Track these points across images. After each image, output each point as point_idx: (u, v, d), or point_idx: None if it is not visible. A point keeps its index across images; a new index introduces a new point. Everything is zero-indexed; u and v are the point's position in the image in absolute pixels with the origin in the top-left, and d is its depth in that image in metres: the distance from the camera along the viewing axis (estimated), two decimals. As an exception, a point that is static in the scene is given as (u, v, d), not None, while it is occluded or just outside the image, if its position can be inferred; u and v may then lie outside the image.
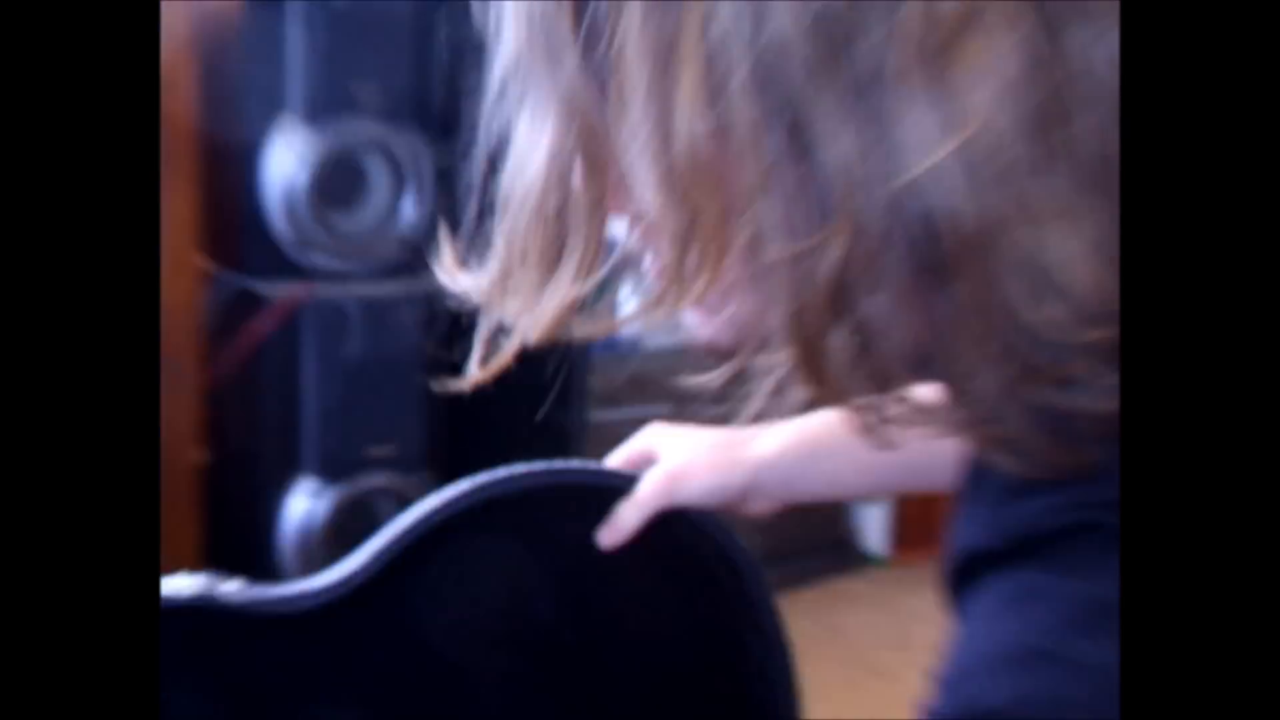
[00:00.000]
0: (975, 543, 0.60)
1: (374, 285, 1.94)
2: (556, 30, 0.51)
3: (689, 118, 0.49)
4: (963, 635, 0.57)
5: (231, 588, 0.74)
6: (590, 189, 0.54)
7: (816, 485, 0.97)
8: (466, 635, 0.85)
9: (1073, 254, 0.47)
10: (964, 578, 0.60)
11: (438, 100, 1.96)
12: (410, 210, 1.91)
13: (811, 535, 2.42)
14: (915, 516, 2.55)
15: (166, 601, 0.74)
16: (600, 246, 0.56)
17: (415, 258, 1.90)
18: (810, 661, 0.92)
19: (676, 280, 0.52)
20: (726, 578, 0.92)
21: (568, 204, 0.55)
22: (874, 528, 2.53)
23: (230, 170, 1.91)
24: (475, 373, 0.55)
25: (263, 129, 1.84)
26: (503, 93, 0.55)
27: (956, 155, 0.46)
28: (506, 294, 0.55)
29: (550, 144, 0.54)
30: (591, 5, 0.50)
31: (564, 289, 0.55)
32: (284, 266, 1.87)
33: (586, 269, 0.55)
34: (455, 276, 0.55)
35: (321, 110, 1.82)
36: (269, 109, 1.83)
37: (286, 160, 1.82)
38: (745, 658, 0.93)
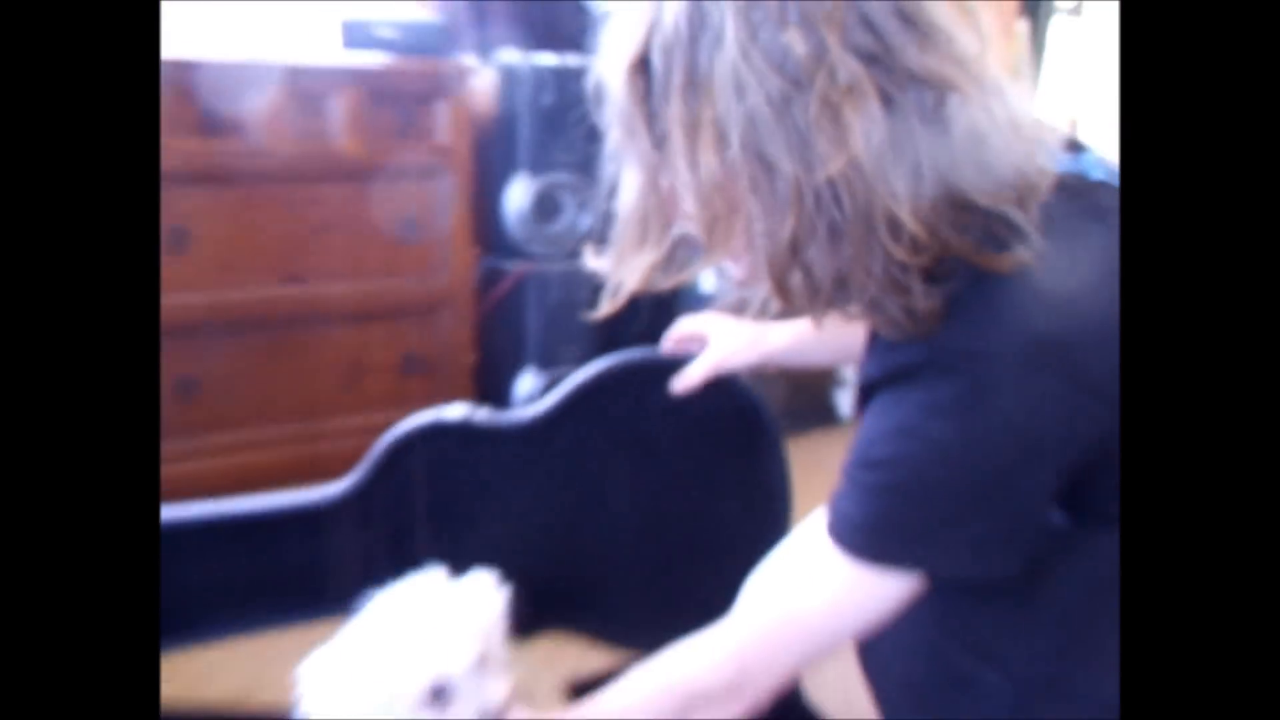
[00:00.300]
0: (869, 376, 0.85)
1: (562, 263, 2.53)
2: (634, 121, 0.81)
3: (707, 161, 0.76)
4: (859, 432, 0.83)
5: (481, 414, 1.31)
6: (656, 205, 0.85)
7: (801, 360, 1.32)
8: (599, 438, 1.34)
9: (908, 217, 0.74)
10: (864, 398, 0.86)
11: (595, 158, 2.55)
12: (582, 222, 2.55)
13: (806, 403, 2.72)
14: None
15: (450, 419, 1.30)
16: (665, 235, 0.87)
17: (580, 247, 2.61)
18: (799, 477, 1.33)
19: (710, 249, 0.81)
20: (754, 419, 1.36)
21: (647, 214, 0.86)
22: (845, 400, 2.89)
23: (490, 197, 2.54)
24: (606, 306, 0.95)
25: (506, 176, 2.50)
26: (614, 155, 0.87)
27: (846, 167, 0.72)
28: (620, 265, 0.90)
29: (636, 183, 0.84)
30: (653, 104, 0.79)
31: (647, 259, 0.87)
32: (516, 252, 2.53)
33: (658, 247, 0.87)
34: (596, 259, 0.93)
35: (537, 166, 2.48)
36: (510, 165, 2.49)
37: (519, 193, 2.49)
38: (764, 468, 1.37)
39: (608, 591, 1.44)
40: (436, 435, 1.40)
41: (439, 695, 0.98)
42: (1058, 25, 4.13)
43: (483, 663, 1.00)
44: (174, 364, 2.18)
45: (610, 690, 1.03)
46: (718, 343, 1.29)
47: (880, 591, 0.89)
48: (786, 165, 0.74)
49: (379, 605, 1.03)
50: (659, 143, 0.80)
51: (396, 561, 1.10)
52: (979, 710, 0.93)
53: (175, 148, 2.07)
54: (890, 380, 0.84)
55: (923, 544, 0.87)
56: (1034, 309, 0.79)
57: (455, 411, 1.40)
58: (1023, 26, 3.73)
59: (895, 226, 0.76)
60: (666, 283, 0.92)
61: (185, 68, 2.07)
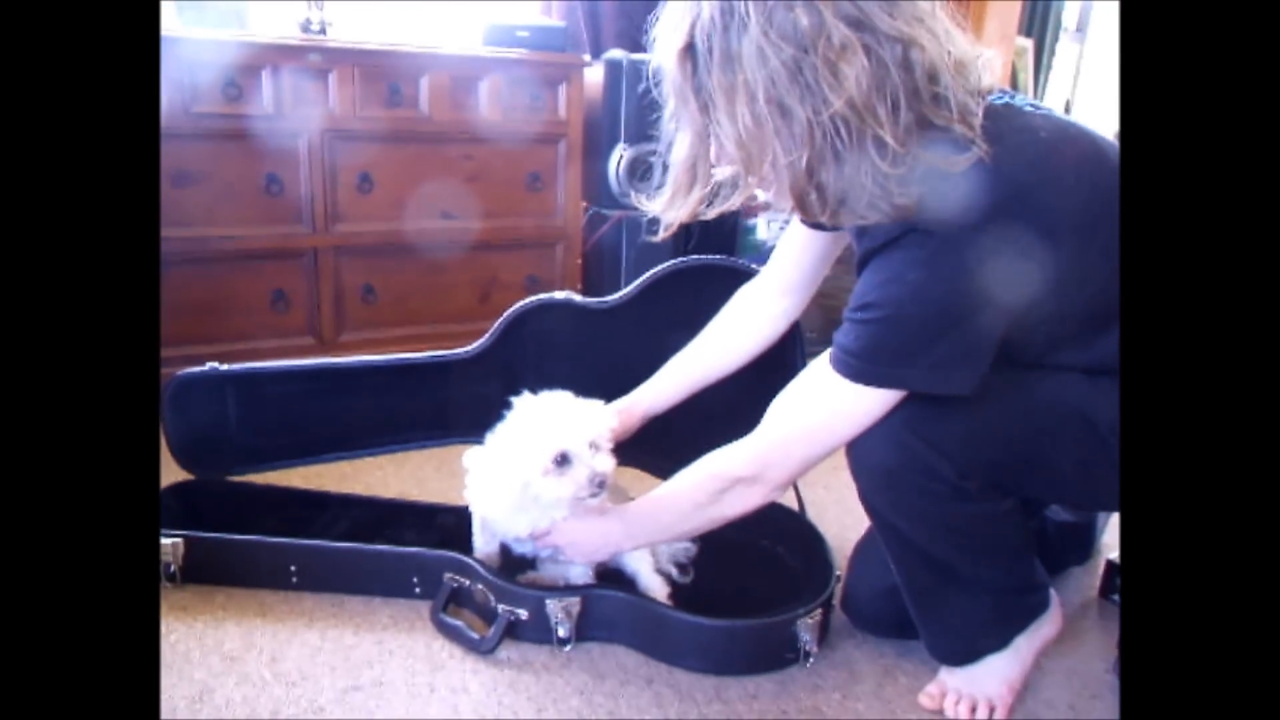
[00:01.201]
0: (866, 249, 0.97)
1: (649, 214, 2.69)
2: (685, 92, 0.90)
3: (741, 115, 0.86)
4: (856, 287, 0.94)
5: (578, 297, 1.54)
6: (703, 155, 0.95)
7: (666, 400, 1.42)
8: (668, 319, 1.45)
9: (890, 139, 0.83)
10: (860, 267, 0.98)
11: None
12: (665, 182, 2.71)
13: (835, 325, 2.91)
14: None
15: (556, 298, 1.53)
16: (708, 179, 0.96)
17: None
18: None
19: (747, 182, 0.94)
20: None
21: (695, 163, 0.96)
22: None
23: (596, 160, 2.61)
24: (661, 236, 1.09)
25: (609, 144, 2.56)
26: (670, 121, 0.97)
27: (844, 107, 0.81)
28: (671, 204, 1.03)
29: (687, 140, 0.95)
30: (698, 78, 0.88)
31: (695, 198, 1.00)
32: (615, 203, 2.58)
33: (703, 188, 0.98)
34: (646, 203, 1.06)
35: (632, 137, 2.52)
36: (611, 136, 2.55)
37: (617, 157, 2.55)
38: (788, 349, 1.44)
39: (664, 436, 1.52)
40: (546, 309, 1.60)
41: (562, 462, 1.19)
42: (1062, 47, 3.86)
43: (594, 445, 1.19)
44: (359, 275, 2.41)
45: (667, 481, 1.21)
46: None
47: (867, 405, 1.01)
48: (800, 111, 0.83)
49: (523, 405, 1.22)
50: (704, 107, 0.89)
51: (506, 398, 1.28)
52: (932, 486, 1.04)
53: (366, 114, 2.30)
54: (880, 248, 0.94)
55: (900, 366, 0.96)
56: (985, 193, 0.87)
57: (561, 294, 1.61)
58: (1025, 44, 3.58)
59: (881, 146, 0.85)
60: (710, 216, 1.02)
61: (374, 55, 2.27)
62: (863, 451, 1.07)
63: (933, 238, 0.89)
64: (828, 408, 1.04)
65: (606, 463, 1.21)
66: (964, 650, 1.19)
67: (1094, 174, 0.93)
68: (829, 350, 1.03)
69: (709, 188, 0.97)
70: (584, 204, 2.68)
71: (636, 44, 2.67)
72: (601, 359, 1.58)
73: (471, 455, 1.25)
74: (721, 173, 0.96)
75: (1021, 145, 0.90)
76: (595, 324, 1.61)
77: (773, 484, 1.11)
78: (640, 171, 2.63)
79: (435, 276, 2.47)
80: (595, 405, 1.25)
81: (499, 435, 1.23)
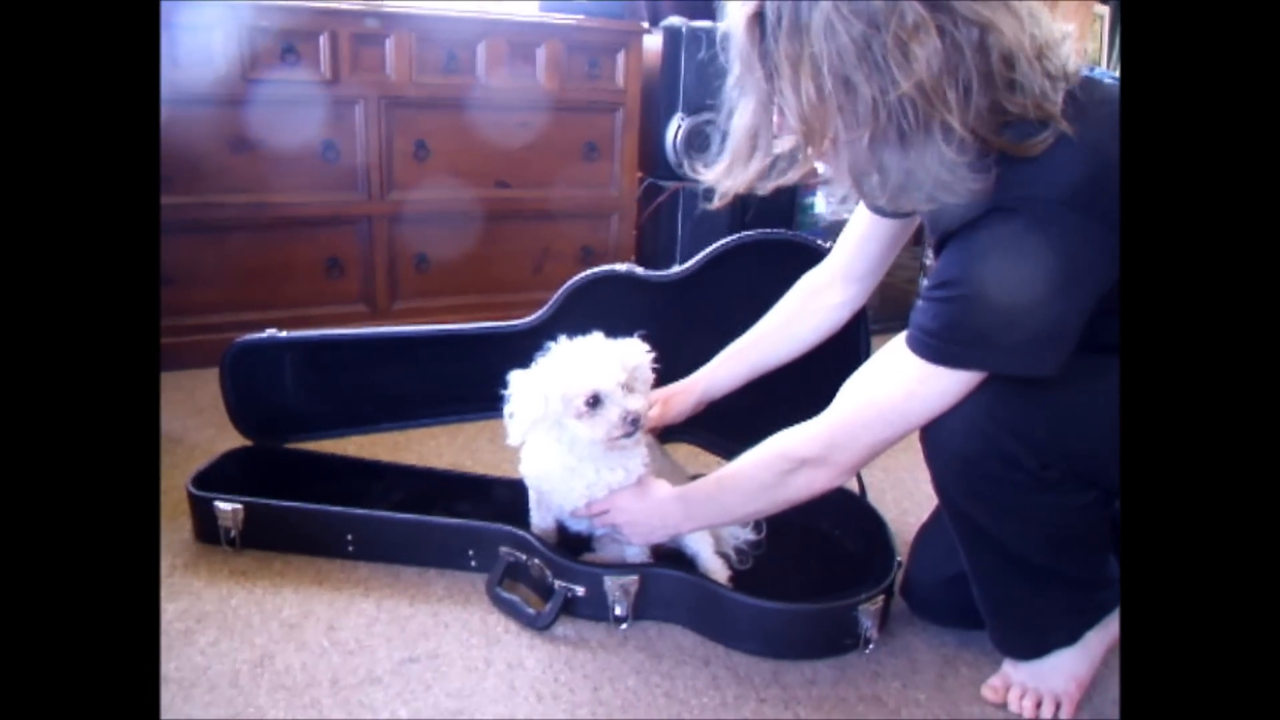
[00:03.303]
0: (945, 228, 0.95)
1: (706, 186, 2.71)
2: (752, 60, 0.88)
3: (806, 87, 0.83)
4: (933, 267, 0.94)
5: (639, 269, 1.53)
6: (765, 124, 0.91)
7: (725, 385, 1.42)
8: (730, 294, 1.46)
9: (958, 125, 0.80)
10: (938, 250, 0.98)
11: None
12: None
13: (893, 308, 2.47)
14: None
15: (618, 270, 1.52)
16: (769, 149, 0.92)
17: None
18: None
19: (807, 156, 0.91)
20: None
21: (757, 132, 0.92)
22: None
23: (653, 130, 2.61)
24: (716, 203, 1.02)
25: (667, 114, 2.57)
26: (734, 88, 0.92)
27: (912, 88, 0.79)
28: (729, 173, 0.97)
29: (750, 108, 0.91)
30: (765, 46, 0.85)
31: (755, 167, 0.95)
32: (672, 174, 2.59)
33: (764, 158, 0.94)
34: (703, 172, 1.01)
35: (690, 107, 2.53)
36: (670, 105, 2.56)
37: (675, 127, 2.56)
38: (849, 329, 1.41)
39: (725, 416, 1.51)
40: (607, 281, 1.58)
41: (595, 402, 1.18)
42: None
43: (627, 385, 1.18)
44: (413, 244, 2.42)
45: (733, 461, 1.18)
46: (661, 408, 1.37)
47: (943, 386, 0.97)
48: (865, 89, 0.81)
49: (559, 347, 1.22)
50: (769, 76, 0.86)
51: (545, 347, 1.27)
52: (1012, 476, 1.00)
53: (422, 82, 2.29)
54: (960, 229, 0.91)
55: (978, 347, 0.93)
56: (1071, 169, 0.85)
57: (622, 267, 1.59)
58: (1102, 11, 3.48)
59: (948, 132, 0.82)
60: (767, 189, 0.97)
61: (431, 20, 2.26)
62: (940, 438, 1.03)
63: (1018, 215, 0.87)
64: (902, 389, 1.00)
65: (638, 401, 1.19)
66: (1033, 644, 1.16)
67: None
68: (905, 331, 0.99)
69: (769, 159, 0.94)
70: (640, 174, 2.67)
71: (696, 11, 2.65)
72: (662, 333, 1.50)
73: (516, 378, 1.23)
74: (782, 144, 0.94)
75: (1105, 118, 0.86)
76: (657, 297, 1.58)
77: (840, 467, 1.08)
78: (698, 142, 2.58)
79: (489, 246, 2.47)
80: (628, 344, 1.23)
81: (533, 374, 1.22)
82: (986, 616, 1.17)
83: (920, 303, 0.97)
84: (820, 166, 0.95)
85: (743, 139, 0.93)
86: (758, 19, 0.86)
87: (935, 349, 0.95)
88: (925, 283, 0.98)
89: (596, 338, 1.24)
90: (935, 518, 1.38)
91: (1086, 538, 1.08)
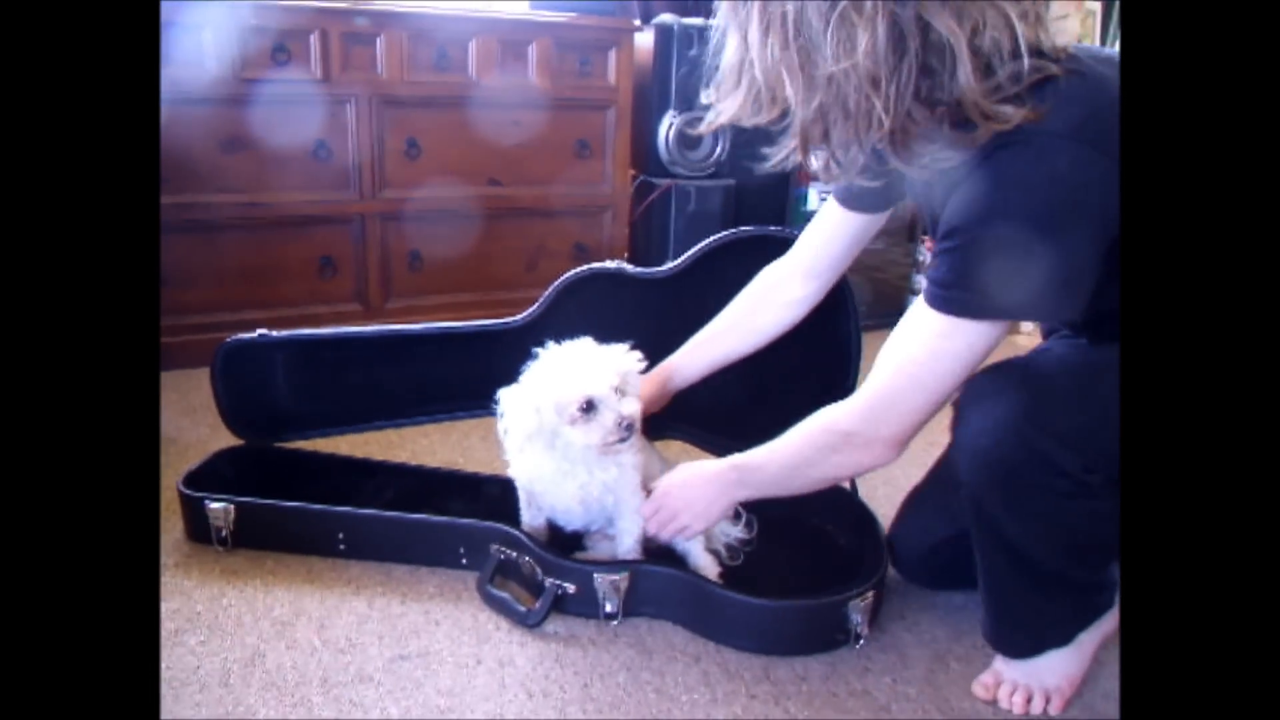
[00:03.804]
0: (936, 208, 0.96)
1: (699, 182, 2.60)
2: (736, 8, 0.89)
3: (771, 44, 0.86)
4: (942, 219, 0.90)
5: (629, 266, 1.53)
6: (749, 57, 0.90)
7: (701, 368, 1.43)
8: (721, 290, 1.41)
9: (880, 109, 0.83)
10: (933, 228, 0.99)
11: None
12: (716, 150, 2.60)
13: (885, 303, 2.65)
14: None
15: (608, 267, 1.52)
16: (754, 82, 0.90)
17: (718, 170, 2.56)
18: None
19: (767, 110, 0.90)
20: (836, 286, 1.41)
21: (740, 64, 0.91)
22: None
23: (645, 127, 2.61)
24: (704, 129, 1.05)
25: (659, 111, 2.57)
26: (719, 25, 0.92)
27: (863, 78, 0.82)
28: (719, 101, 0.94)
29: (734, 43, 0.91)
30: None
31: (739, 98, 0.92)
32: (664, 171, 2.60)
33: (749, 89, 0.91)
34: (718, 106, 0.95)
35: (682, 104, 2.54)
36: (662, 103, 2.55)
37: (667, 124, 2.57)
38: (838, 324, 1.47)
39: (712, 409, 1.53)
40: (597, 278, 1.59)
41: (589, 408, 1.18)
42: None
43: (620, 390, 1.18)
44: (406, 242, 2.41)
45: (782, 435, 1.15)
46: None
47: (968, 340, 0.92)
48: (818, 60, 0.84)
49: (549, 353, 1.22)
50: (744, 22, 0.89)
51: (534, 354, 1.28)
52: (1053, 483, 0.96)
53: (414, 79, 2.29)
54: (967, 170, 0.89)
55: (996, 292, 0.88)
56: (1076, 106, 0.84)
57: (612, 264, 1.59)
58: (1093, 7, 3.46)
59: (878, 123, 0.85)
60: (749, 121, 0.95)
61: (422, 18, 2.25)
62: (975, 443, 0.99)
63: (1025, 147, 0.84)
64: (926, 349, 0.95)
65: (632, 405, 1.19)
66: (1031, 644, 1.15)
67: None
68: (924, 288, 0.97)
69: (753, 92, 0.92)
70: (632, 172, 2.67)
71: (687, 9, 2.65)
72: (653, 330, 1.51)
73: (507, 391, 1.23)
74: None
75: (1105, 59, 0.89)
76: (647, 294, 1.59)
77: (885, 441, 1.04)
78: (691, 140, 2.60)
79: (482, 243, 2.47)
80: (618, 349, 1.23)
81: (522, 386, 1.22)
82: (987, 613, 1.17)
83: (931, 259, 0.95)
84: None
85: (729, 72, 0.93)
86: None
87: (950, 300, 0.92)
88: (934, 240, 0.96)
89: (585, 343, 1.24)
90: (926, 482, 1.38)
91: (1106, 544, 1.05)
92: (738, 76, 0.92)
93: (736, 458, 1.21)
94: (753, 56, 0.89)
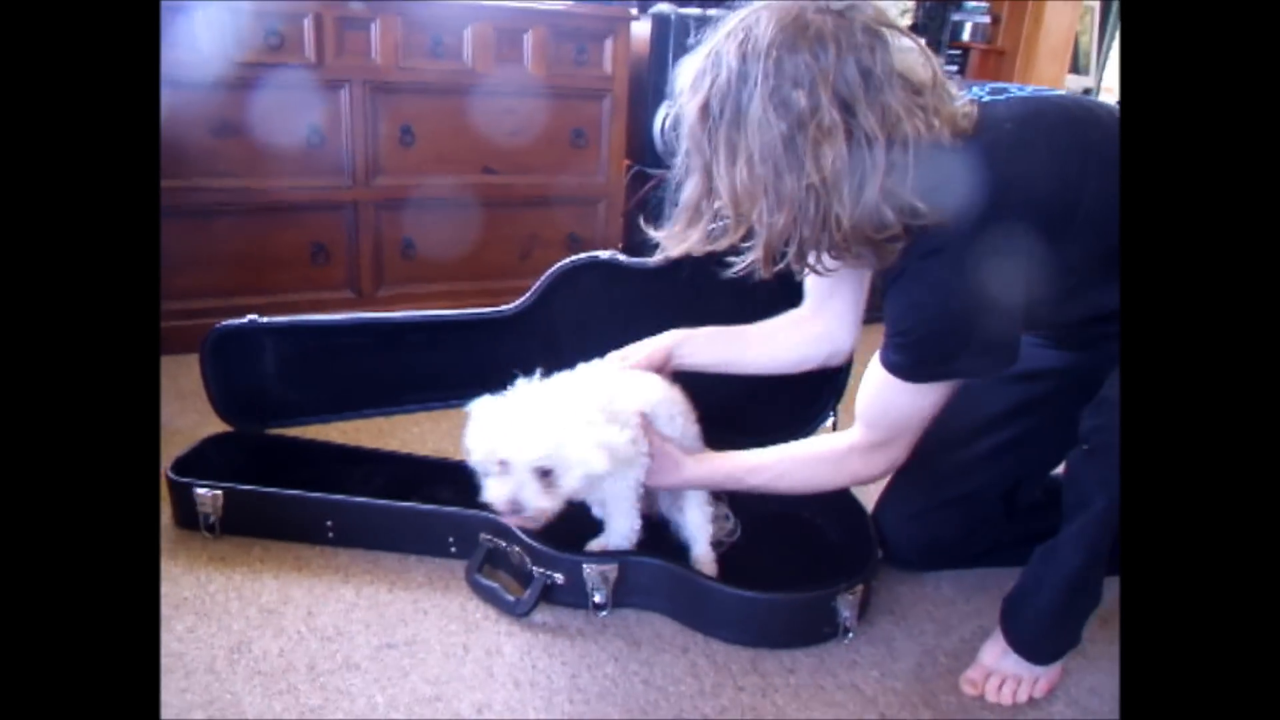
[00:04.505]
0: (887, 278, 1.06)
1: None
2: (701, 143, 1.00)
3: (740, 171, 0.96)
4: (887, 313, 1.08)
5: (623, 256, 1.53)
6: (708, 195, 1.03)
7: (695, 359, 1.44)
8: (713, 282, 1.38)
9: (846, 219, 0.95)
10: (884, 292, 1.08)
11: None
12: None
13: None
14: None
15: (601, 257, 1.52)
16: (711, 217, 1.05)
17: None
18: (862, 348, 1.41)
19: (735, 229, 1.03)
20: None
21: (699, 204, 1.05)
22: None
23: (641, 117, 2.59)
24: (657, 260, 1.30)
25: (655, 101, 2.50)
26: (681, 164, 1.06)
27: (817, 183, 0.94)
28: (672, 238, 1.11)
29: (695, 181, 1.04)
30: (709, 132, 0.98)
31: (696, 233, 1.08)
32: (659, 162, 2.43)
33: (707, 224, 1.06)
34: (655, 232, 1.13)
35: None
36: (658, 92, 2.45)
37: (663, 114, 2.62)
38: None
39: (703, 397, 1.48)
40: (591, 268, 1.58)
41: (503, 467, 1.15)
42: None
43: (544, 470, 1.14)
44: (399, 230, 2.40)
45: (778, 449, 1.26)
46: (642, 349, 1.39)
47: (935, 397, 1.13)
48: (787, 178, 0.93)
49: (586, 372, 1.21)
50: (712, 157, 0.98)
51: (549, 360, 1.29)
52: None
53: (409, 66, 2.28)
54: (898, 277, 1.04)
55: (948, 363, 1.08)
56: (972, 208, 0.96)
57: (605, 253, 1.58)
58: (1091, 4, 3.44)
59: (839, 224, 0.96)
60: (701, 251, 1.09)
61: (417, 4, 2.23)
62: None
63: (943, 253, 0.98)
64: (906, 404, 1.14)
65: (547, 501, 1.15)
66: (1058, 649, 1.20)
67: (1069, 136, 1.02)
68: (879, 354, 1.13)
69: (711, 226, 1.05)
70: (628, 162, 2.66)
71: (685, -3, 2.62)
72: (645, 321, 1.53)
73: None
74: (721, 215, 1.05)
75: (993, 142, 0.99)
76: (639, 285, 1.58)
77: (892, 457, 1.21)
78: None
79: (476, 232, 2.46)
80: (626, 397, 1.23)
81: (572, 399, 1.19)
82: (1026, 623, 1.19)
83: (885, 343, 1.11)
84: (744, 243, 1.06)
85: (689, 209, 1.05)
86: (705, 109, 0.97)
87: (915, 373, 1.10)
88: (886, 326, 1.11)
89: (607, 364, 1.26)
90: (905, 468, 1.38)
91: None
92: (696, 212, 1.04)
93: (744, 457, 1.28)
94: (719, 186, 0.98)
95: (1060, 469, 1.34)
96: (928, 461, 1.24)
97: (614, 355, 1.35)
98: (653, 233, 1.12)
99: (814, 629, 1.27)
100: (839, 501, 1.51)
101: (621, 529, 1.31)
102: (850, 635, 1.27)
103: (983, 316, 1.03)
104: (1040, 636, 1.18)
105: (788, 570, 1.41)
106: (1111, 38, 3.90)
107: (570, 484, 1.13)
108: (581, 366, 1.31)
